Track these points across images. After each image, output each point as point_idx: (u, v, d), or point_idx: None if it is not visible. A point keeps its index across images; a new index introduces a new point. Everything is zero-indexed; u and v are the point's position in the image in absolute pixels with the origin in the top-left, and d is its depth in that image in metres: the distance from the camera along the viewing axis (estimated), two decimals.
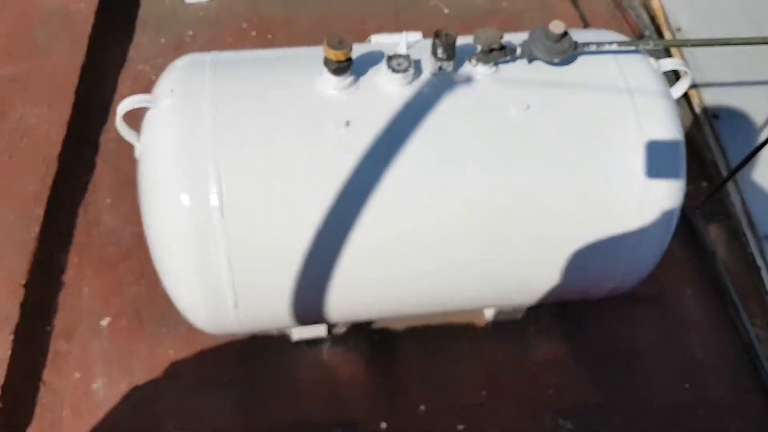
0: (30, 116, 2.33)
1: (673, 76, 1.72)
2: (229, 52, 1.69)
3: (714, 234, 2.29)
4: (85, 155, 2.38)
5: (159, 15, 2.97)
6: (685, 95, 2.46)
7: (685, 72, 1.61)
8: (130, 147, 1.57)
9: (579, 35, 1.60)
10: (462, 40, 1.59)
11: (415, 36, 1.67)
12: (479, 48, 1.48)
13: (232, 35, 2.91)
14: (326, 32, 2.99)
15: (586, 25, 2.91)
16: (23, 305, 1.89)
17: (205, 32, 2.91)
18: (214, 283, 1.41)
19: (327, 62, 1.46)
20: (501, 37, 1.46)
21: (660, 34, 2.61)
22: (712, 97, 2.35)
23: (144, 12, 2.98)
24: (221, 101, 1.44)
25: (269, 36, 2.92)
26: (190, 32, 2.90)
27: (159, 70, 2.66)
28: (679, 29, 2.47)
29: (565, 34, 1.46)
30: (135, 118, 1.55)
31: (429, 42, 1.55)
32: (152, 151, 1.44)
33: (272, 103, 1.47)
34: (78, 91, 2.43)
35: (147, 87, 2.59)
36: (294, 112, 1.46)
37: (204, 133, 1.39)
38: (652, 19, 2.71)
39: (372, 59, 1.58)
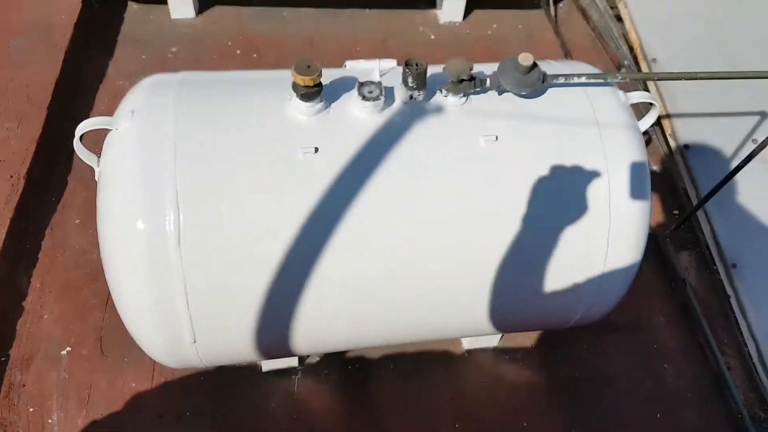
0: None
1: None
2: (201, 73, 1.66)
3: (685, 262, 2.30)
4: (57, 173, 2.34)
5: (143, 30, 2.96)
6: (659, 125, 2.50)
7: (653, 105, 1.62)
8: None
9: (550, 67, 1.62)
10: (434, 69, 1.60)
11: (389, 63, 1.67)
12: (449, 78, 1.48)
13: (216, 53, 2.91)
14: (314, 53, 3.03)
15: (566, 54, 2.94)
16: None
17: (189, 49, 2.90)
18: (170, 315, 1.36)
19: (295, 87, 1.45)
20: (471, 69, 1.46)
21: (638, 65, 2.65)
22: (684, 128, 2.39)
23: (128, 27, 2.97)
24: (184, 124, 1.41)
25: (254, 55, 2.92)
26: (174, 49, 2.89)
27: None
28: (654, 60, 2.51)
29: (534, 66, 1.47)
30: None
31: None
32: (109, 174, 1.40)
33: (239, 127, 1.45)
34: (51, 107, 2.40)
35: None
36: (261, 137, 1.44)
37: (163, 157, 1.36)
38: (631, 49, 2.75)
39: (344, 85, 1.57)
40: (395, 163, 1.45)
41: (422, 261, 1.48)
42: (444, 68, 1.48)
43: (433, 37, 3.12)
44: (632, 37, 2.60)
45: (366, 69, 1.65)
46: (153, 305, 1.35)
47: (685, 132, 2.37)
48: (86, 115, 2.56)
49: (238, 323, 1.44)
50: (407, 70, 1.48)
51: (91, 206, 2.25)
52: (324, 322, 1.51)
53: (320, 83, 1.45)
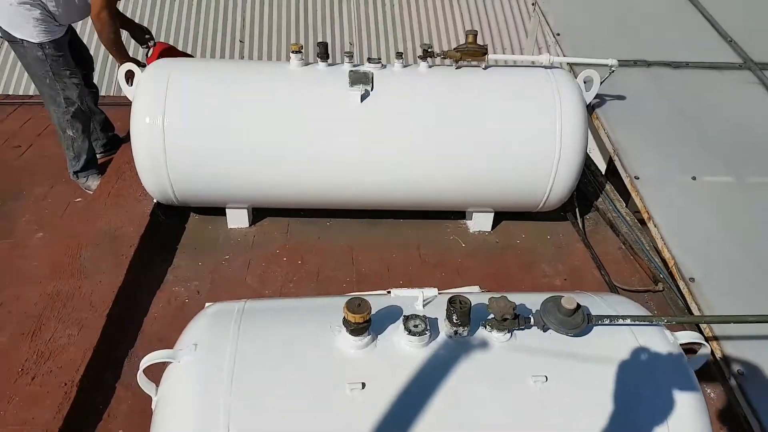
0: (60, 337, 2.41)
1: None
2: (259, 301, 1.81)
3: None
4: (106, 380, 2.39)
5: (201, 239, 3.22)
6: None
7: (702, 345, 1.62)
8: (152, 374, 1.58)
9: (592, 303, 1.67)
10: (477, 298, 1.66)
11: (431, 292, 1.76)
12: (493, 316, 1.54)
13: (265, 260, 3.10)
14: (354, 259, 3.19)
15: (599, 267, 3.03)
16: None
17: (241, 256, 3.11)
18: None
19: (346, 323, 1.53)
20: (514, 308, 1.53)
21: (675, 281, 2.69)
22: (737, 352, 2.32)
23: (188, 236, 3.24)
24: (241, 360, 1.49)
25: (299, 261, 3.11)
26: (227, 256, 3.11)
27: (193, 292, 2.84)
28: (692, 279, 2.55)
29: (578, 308, 1.52)
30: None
31: (445, 298, 1.63)
32: (167, 404, 1.46)
33: (291, 361, 1.52)
34: (110, 314, 2.54)
35: (178, 310, 2.75)
36: (311, 372, 1.50)
37: (219, 392, 1.43)
38: (665, 263, 2.81)
39: (390, 316, 1.65)
40: (442, 401, 1.46)
41: None
42: (488, 307, 1.55)
43: (464, 245, 3.29)
44: (666, 255, 2.68)
45: (410, 297, 1.74)
46: None
47: (738, 356, 2.30)
48: (140, 321, 2.68)
49: None
50: (451, 308, 1.55)
51: (135, 415, 2.30)
52: None
53: (369, 319, 1.53)
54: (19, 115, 4.35)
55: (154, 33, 6.09)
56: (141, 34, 3.49)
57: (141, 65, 3.11)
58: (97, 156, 3.69)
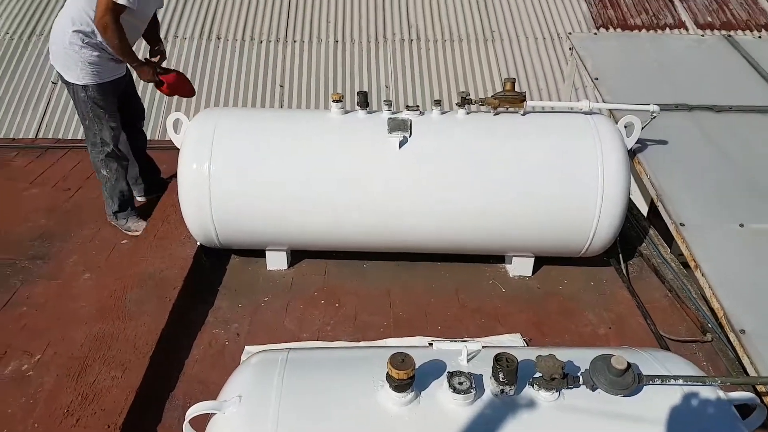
0: (104, 379, 2.45)
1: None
2: (303, 349, 1.81)
3: None
4: (147, 423, 2.41)
5: (241, 281, 3.27)
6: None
7: (759, 406, 1.55)
8: (196, 424, 1.59)
9: (643, 361, 1.62)
10: (522, 353, 1.63)
11: (475, 346, 1.74)
12: (541, 375, 1.51)
13: (303, 302, 3.12)
14: (391, 302, 3.18)
15: (645, 315, 2.94)
16: None
17: (280, 298, 3.13)
18: None
19: (389, 378, 1.51)
20: (563, 367, 1.49)
21: (725, 333, 2.59)
22: None
23: (228, 278, 3.29)
24: (285, 412, 1.50)
25: (336, 304, 3.12)
26: (266, 298, 3.14)
27: (233, 335, 2.86)
28: (743, 331, 2.46)
29: (628, 367, 1.48)
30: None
31: (489, 352, 1.60)
32: None
33: (334, 416, 1.51)
34: (153, 356, 2.58)
35: (219, 352, 2.77)
36: (354, 428, 1.49)
37: None
38: (714, 313, 2.72)
39: (434, 371, 1.62)
40: None
41: None
42: (535, 365, 1.52)
43: (504, 290, 3.23)
44: (715, 305, 2.60)
45: (453, 351, 1.72)
46: None
47: None
48: (181, 363, 2.71)
49: None
50: (498, 366, 1.52)
51: None
52: None
53: (413, 376, 1.51)
54: (69, 158, 4.57)
55: (198, 75, 6.35)
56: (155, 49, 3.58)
57: (151, 63, 3.33)
58: (141, 198, 3.81)
